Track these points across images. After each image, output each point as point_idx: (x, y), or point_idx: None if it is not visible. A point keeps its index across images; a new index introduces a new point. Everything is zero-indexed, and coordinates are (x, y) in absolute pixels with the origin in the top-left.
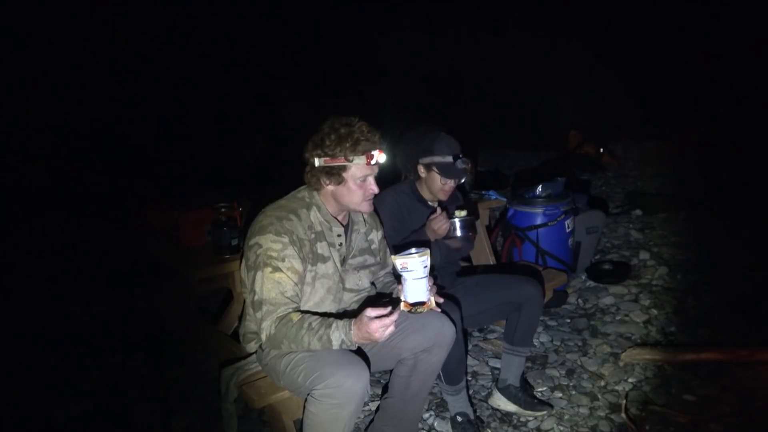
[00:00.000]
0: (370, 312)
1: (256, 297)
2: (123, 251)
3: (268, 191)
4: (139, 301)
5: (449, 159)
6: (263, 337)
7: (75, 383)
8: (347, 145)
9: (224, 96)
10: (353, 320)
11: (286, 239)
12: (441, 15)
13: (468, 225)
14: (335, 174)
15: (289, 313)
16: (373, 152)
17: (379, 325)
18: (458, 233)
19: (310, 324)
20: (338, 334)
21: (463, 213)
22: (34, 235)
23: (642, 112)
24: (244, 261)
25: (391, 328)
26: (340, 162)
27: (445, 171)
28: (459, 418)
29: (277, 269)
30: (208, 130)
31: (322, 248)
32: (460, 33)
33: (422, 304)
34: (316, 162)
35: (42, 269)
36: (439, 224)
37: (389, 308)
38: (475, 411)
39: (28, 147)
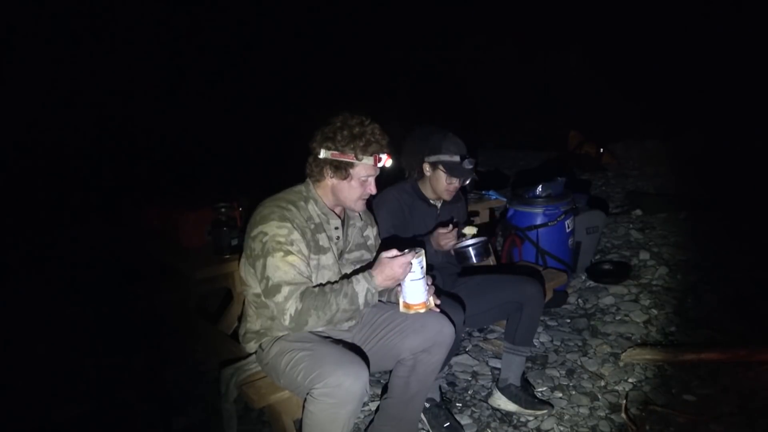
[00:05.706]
0: (387, 254)
1: (270, 283)
2: (123, 251)
3: (269, 191)
4: (139, 301)
5: (456, 158)
6: (287, 318)
7: (75, 383)
8: (360, 144)
9: (226, 96)
10: (370, 270)
11: (289, 225)
12: (442, 17)
13: (483, 250)
14: (342, 169)
15: (309, 287)
16: (381, 155)
17: (402, 262)
18: (473, 260)
19: (332, 287)
20: (362, 284)
21: (474, 230)
22: (33, 234)
23: (642, 113)
24: (245, 254)
25: (409, 265)
26: (348, 158)
27: (452, 170)
28: (427, 404)
29: (288, 253)
30: (208, 130)
31: (322, 240)
32: (461, 34)
33: (421, 304)
34: (323, 153)
35: (42, 269)
36: (446, 240)
37: (405, 251)
38: (442, 395)
39: (29, 145)
